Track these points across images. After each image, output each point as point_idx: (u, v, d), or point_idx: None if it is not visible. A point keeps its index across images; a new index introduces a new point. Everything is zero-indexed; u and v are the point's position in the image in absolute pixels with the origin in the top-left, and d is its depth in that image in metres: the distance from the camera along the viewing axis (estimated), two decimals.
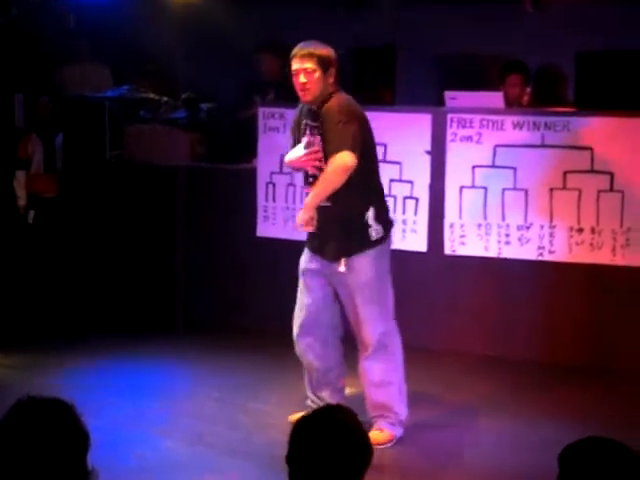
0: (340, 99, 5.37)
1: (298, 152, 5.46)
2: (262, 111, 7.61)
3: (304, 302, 5.60)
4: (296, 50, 5.41)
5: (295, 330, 5.65)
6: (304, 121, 5.47)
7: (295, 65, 5.38)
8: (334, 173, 5.24)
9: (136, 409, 5.98)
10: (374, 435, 5.37)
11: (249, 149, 7.71)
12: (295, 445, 2.72)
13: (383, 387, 5.49)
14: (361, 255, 5.37)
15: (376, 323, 5.42)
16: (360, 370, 5.54)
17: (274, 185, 7.55)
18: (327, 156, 5.29)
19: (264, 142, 7.56)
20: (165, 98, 8.65)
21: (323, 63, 5.34)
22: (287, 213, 7.52)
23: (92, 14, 9.07)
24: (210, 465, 5.20)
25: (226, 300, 7.81)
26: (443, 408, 6.07)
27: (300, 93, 5.39)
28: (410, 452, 5.40)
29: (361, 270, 5.37)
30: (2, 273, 8.13)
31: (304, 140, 5.43)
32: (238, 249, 7.74)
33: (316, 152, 5.37)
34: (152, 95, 8.67)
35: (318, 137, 5.37)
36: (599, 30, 7.91)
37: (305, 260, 5.60)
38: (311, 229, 5.41)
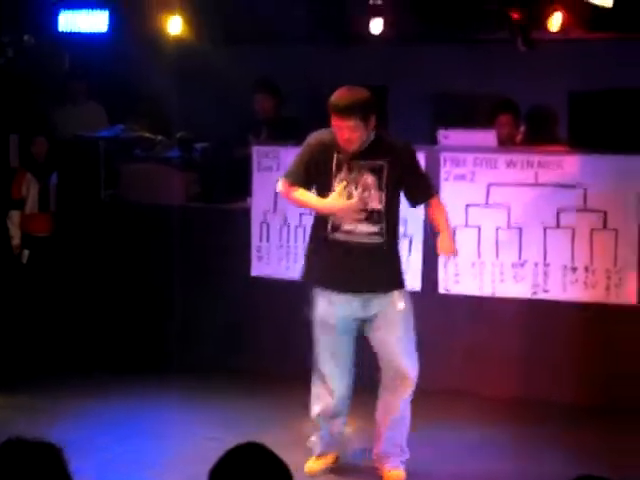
0: (392, 137, 5.51)
1: (341, 199, 5.31)
2: (256, 150, 7.62)
3: (334, 366, 5.45)
4: (334, 102, 5.20)
5: (330, 404, 5.51)
6: (342, 159, 5.32)
7: (335, 121, 5.21)
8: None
9: (130, 450, 5.95)
10: (397, 475, 5.39)
11: (243, 188, 7.71)
12: None
13: (401, 423, 5.47)
14: (402, 290, 5.48)
15: (415, 355, 5.46)
16: (389, 408, 5.44)
17: (268, 225, 7.55)
18: (428, 196, 5.49)
19: (258, 181, 7.56)
20: (160, 137, 8.66)
21: (364, 114, 5.18)
22: (281, 252, 7.52)
23: (87, 55, 9.11)
24: None
25: (221, 340, 7.78)
26: (437, 448, 6.04)
27: (343, 143, 5.25)
28: None
29: (403, 303, 5.43)
30: None
31: (350, 182, 5.31)
32: (232, 289, 7.72)
33: (364, 194, 5.34)
34: (147, 134, 8.68)
35: (370, 176, 5.30)
36: (591, 69, 7.97)
37: (332, 310, 5.41)
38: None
